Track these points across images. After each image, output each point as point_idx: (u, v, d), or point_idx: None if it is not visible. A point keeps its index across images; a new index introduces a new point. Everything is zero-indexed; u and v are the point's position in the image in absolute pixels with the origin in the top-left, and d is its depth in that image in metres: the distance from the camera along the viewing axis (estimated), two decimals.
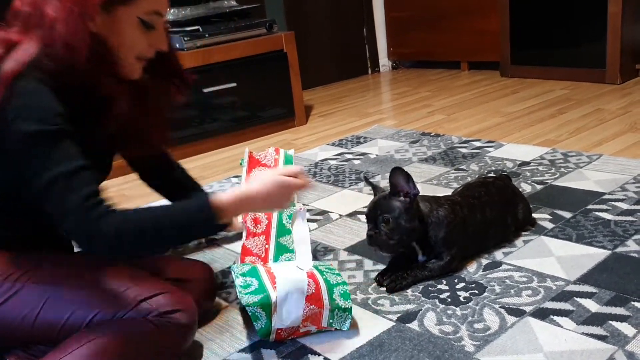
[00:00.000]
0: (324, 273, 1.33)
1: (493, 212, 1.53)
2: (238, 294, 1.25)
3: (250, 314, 1.23)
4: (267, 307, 1.22)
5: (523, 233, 1.63)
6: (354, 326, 1.31)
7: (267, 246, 1.46)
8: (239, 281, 1.28)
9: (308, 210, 1.97)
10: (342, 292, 1.28)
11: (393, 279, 1.42)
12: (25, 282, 1.14)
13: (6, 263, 1.15)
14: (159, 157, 1.51)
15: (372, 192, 1.51)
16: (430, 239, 1.44)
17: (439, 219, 1.44)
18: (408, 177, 1.37)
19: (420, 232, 1.42)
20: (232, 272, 1.34)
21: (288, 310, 1.23)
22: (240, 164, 1.60)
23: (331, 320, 1.27)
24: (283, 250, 1.46)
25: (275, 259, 1.44)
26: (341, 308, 1.26)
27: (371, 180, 1.46)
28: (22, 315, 1.12)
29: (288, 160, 1.60)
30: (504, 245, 1.58)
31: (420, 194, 1.42)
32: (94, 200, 1.04)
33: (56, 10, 1.06)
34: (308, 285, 1.25)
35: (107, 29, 1.11)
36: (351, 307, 1.27)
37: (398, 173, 1.37)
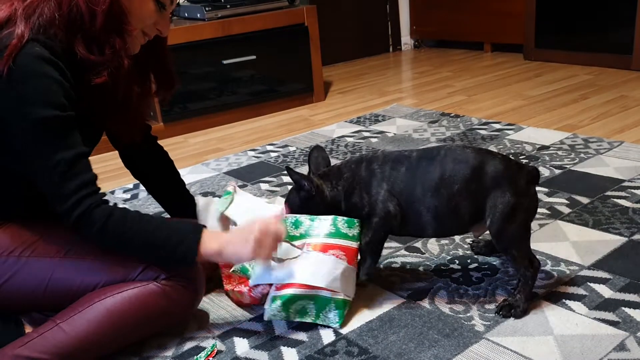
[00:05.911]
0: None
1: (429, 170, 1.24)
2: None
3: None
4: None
5: (539, 217, 1.62)
6: (364, 301, 1.31)
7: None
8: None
9: None
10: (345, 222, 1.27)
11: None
12: (29, 256, 1.15)
13: (8, 238, 1.16)
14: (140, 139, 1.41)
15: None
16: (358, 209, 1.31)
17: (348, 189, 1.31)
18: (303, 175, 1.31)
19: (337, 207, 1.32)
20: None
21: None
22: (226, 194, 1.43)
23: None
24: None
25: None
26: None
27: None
28: (32, 289, 1.14)
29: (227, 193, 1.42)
30: None
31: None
32: (90, 189, 1.09)
33: None
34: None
35: None
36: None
37: (291, 171, 1.29)
